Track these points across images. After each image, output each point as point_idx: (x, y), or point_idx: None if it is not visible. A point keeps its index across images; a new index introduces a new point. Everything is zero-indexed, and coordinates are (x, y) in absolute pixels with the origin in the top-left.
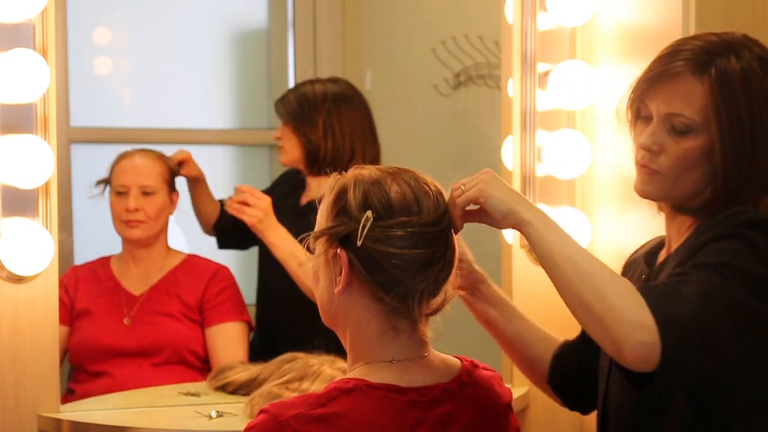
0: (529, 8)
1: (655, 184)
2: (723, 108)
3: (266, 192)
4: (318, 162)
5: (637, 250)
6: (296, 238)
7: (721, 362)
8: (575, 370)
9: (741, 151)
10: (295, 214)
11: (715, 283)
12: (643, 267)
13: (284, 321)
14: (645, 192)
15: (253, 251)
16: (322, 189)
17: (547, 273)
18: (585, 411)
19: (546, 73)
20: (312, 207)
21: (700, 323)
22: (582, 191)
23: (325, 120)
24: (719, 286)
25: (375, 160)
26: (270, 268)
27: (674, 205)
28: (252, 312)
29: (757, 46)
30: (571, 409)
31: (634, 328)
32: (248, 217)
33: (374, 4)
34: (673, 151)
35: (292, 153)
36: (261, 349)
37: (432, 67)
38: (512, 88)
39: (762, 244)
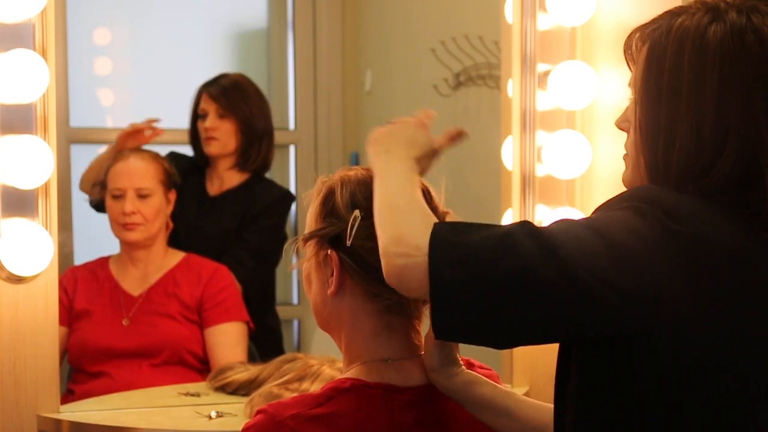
0: (528, 8)
1: (626, 167)
2: (644, 73)
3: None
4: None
5: None
6: (213, 232)
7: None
8: None
9: (654, 127)
10: (207, 204)
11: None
12: None
13: None
14: (622, 179)
15: None
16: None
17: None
18: None
19: (546, 74)
20: (227, 198)
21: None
22: (582, 191)
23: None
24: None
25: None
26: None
27: None
28: None
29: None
30: None
31: (396, 241)
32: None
33: (374, 5)
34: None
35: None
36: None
37: (432, 67)
38: (512, 88)
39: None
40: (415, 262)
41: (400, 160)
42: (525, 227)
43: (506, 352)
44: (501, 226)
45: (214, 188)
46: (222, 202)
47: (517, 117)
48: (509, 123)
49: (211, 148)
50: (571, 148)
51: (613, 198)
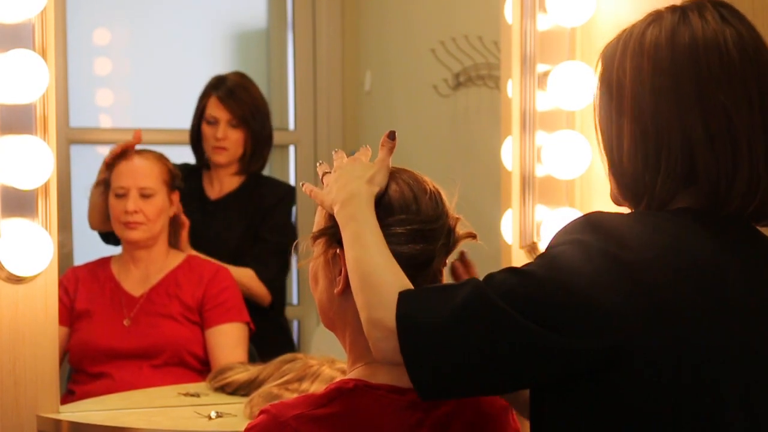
0: (528, 9)
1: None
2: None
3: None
4: None
5: None
6: (221, 236)
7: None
8: None
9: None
10: (206, 207)
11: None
12: None
13: None
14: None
15: None
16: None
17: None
18: None
19: (545, 74)
20: (228, 201)
21: (449, 331)
22: (581, 192)
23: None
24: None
25: None
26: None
27: None
28: None
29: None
30: None
31: (373, 325)
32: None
33: (374, 5)
34: None
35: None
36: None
37: (431, 67)
38: (512, 88)
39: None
40: (395, 346)
41: (368, 225)
42: (477, 294)
43: None
44: (456, 293)
45: (214, 192)
46: (225, 206)
47: (517, 117)
48: (509, 123)
49: (221, 158)
50: (570, 148)
51: (559, 231)
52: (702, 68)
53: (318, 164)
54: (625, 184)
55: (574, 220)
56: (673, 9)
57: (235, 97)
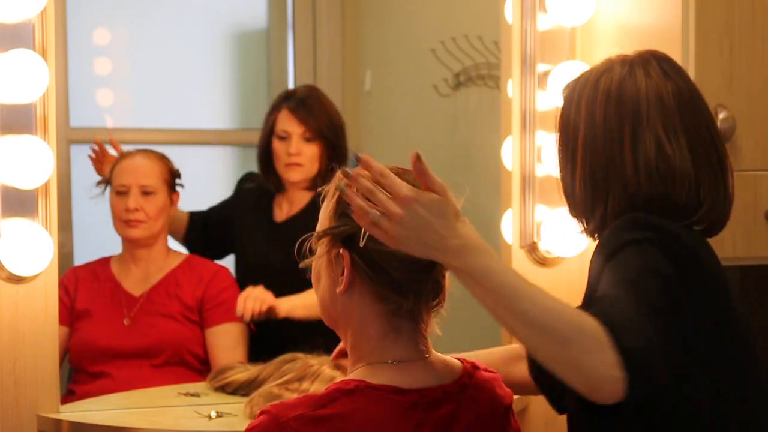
0: (528, 9)
1: None
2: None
3: (227, 205)
4: None
5: None
6: (281, 262)
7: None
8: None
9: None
10: (272, 231)
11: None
12: None
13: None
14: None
15: None
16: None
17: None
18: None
19: (546, 74)
20: (294, 223)
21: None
22: None
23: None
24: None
25: None
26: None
27: None
28: None
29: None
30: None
31: (604, 370)
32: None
33: (374, 5)
34: None
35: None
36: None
37: (432, 67)
38: (512, 88)
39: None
40: (615, 386)
41: (507, 273)
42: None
43: None
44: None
45: (282, 214)
46: (288, 228)
47: (517, 117)
48: (509, 123)
49: (295, 174)
50: None
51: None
52: (643, 116)
53: (340, 176)
54: (575, 208)
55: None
56: (622, 61)
57: (308, 108)
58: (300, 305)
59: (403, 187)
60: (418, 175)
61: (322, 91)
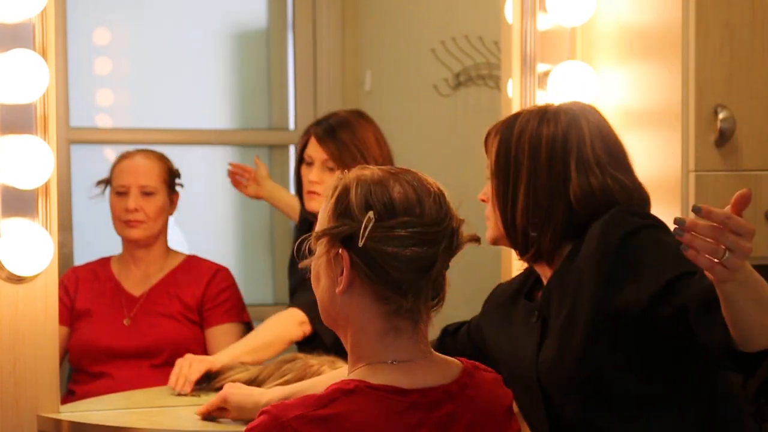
0: (528, 8)
1: (488, 229)
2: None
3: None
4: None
5: (503, 283)
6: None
7: None
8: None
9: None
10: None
11: None
12: (527, 304)
13: None
14: (488, 238)
15: (251, 252)
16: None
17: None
18: None
19: (546, 74)
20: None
21: None
22: None
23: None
24: None
25: None
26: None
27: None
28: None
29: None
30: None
31: None
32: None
33: (374, 4)
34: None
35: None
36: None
37: (432, 67)
38: (512, 88)
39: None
40: None
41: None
42: None
43: None
44: None
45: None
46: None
47: None
48: None
49: (314, 204)
50: None
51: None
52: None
53: (339, 176)
54: (512, 235)
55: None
56: (555, 110)
57: (335, 135)
58: (242, 353)
59: (749, 223)
60: (742, 208)
61: (366, 117)
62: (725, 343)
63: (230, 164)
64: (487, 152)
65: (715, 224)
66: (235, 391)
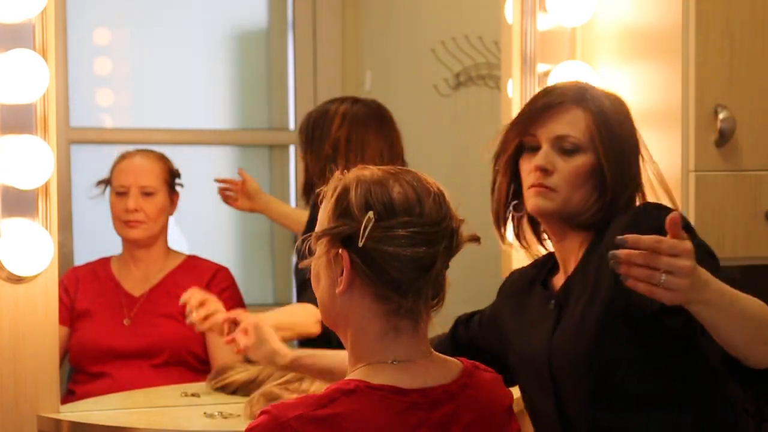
0: (528, 9)
1: (551, 200)
2: (605, 131)
3: None
4: None
5: (517, 270)
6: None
7: None
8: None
9: (622, 168)
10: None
11: None
12: (543, 291)
13: None
14: (541, 208)
15: (251, 252)
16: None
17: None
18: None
19: (546, 74)
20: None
21: None
22: None
23: None
24: None
25: None
26: None
27: (564, 223)
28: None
29: (597, 89)
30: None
31: None
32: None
33: (374, 4)
34: (565, 169)
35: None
36: None
37: (432, 67)
38: (512, 88)
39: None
40: None
41: (721, 287)
42: None
43: None
44: None
45: None
46: None
47: None
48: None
49: None
50: None
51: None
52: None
53: (338, 175)
54: (616, 201)
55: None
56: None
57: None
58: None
59: (683, 242)
60: (677, 230)
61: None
62: (728, 360)
63: (216, 180)
64: (552, 123)
65: (646, 252)
66: (267, 332)
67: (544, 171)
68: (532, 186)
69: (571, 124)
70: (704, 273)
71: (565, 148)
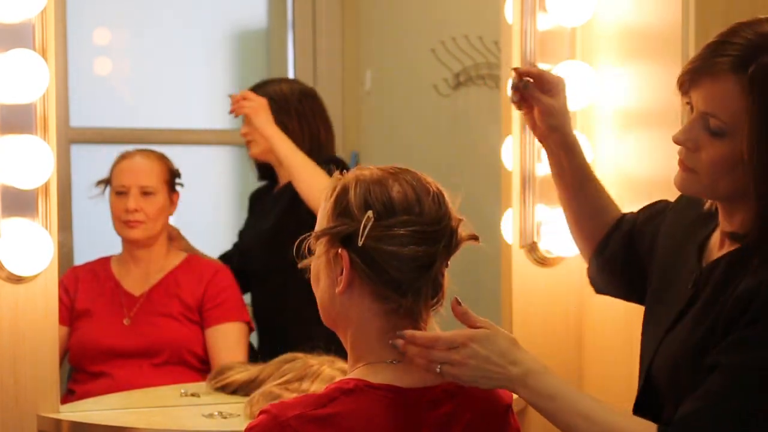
0: (528, 8)
1: (692, 182)
2: (755, 109)
3: None
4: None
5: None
6: (277, 222)
7: None
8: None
9: None
10: (271, 202)
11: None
12: (696, 252)
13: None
14: (682, 189)
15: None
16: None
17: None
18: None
19: None
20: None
21: None
22: None
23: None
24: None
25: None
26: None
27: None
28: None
29: None
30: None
31: None
32: (246, 109)
33: (374, 4)
34: (708, 152)
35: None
36: (260, 349)
37: (432, 67)
38: None
39: None
40: None
41: (568, 393)
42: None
43: None
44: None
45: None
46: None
47: (517, 117)
48: (509, 123)
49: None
50: None
51: None
52: None
53: (338, 175)
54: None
55: None
56: None
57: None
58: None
59: (457, 335)
60: (461, 318)
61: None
62: None
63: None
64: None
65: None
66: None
67: (686, 147)
68: (679, 158)
69: (722, 101)
70: (531, 365)
71: (710, 127)
